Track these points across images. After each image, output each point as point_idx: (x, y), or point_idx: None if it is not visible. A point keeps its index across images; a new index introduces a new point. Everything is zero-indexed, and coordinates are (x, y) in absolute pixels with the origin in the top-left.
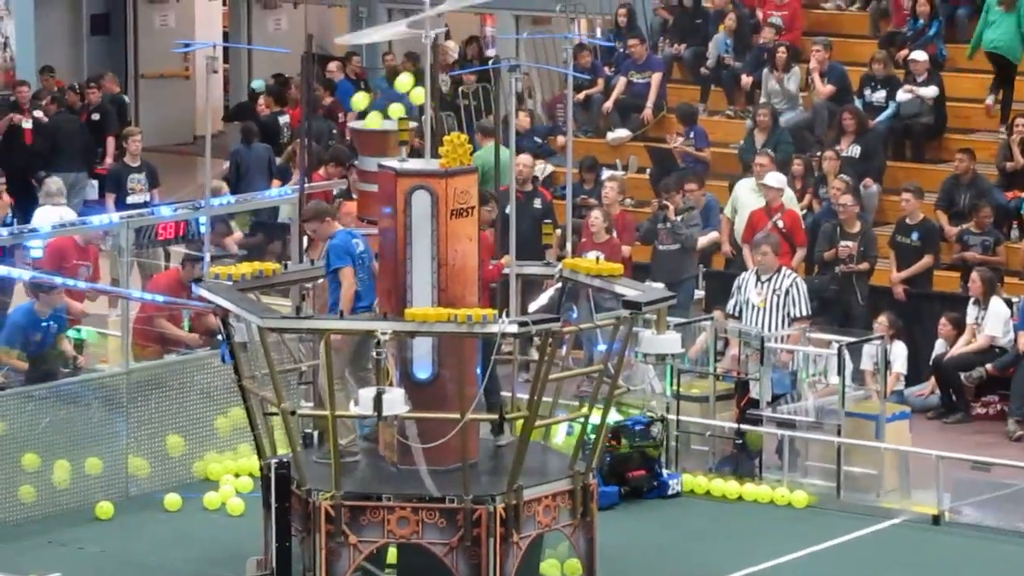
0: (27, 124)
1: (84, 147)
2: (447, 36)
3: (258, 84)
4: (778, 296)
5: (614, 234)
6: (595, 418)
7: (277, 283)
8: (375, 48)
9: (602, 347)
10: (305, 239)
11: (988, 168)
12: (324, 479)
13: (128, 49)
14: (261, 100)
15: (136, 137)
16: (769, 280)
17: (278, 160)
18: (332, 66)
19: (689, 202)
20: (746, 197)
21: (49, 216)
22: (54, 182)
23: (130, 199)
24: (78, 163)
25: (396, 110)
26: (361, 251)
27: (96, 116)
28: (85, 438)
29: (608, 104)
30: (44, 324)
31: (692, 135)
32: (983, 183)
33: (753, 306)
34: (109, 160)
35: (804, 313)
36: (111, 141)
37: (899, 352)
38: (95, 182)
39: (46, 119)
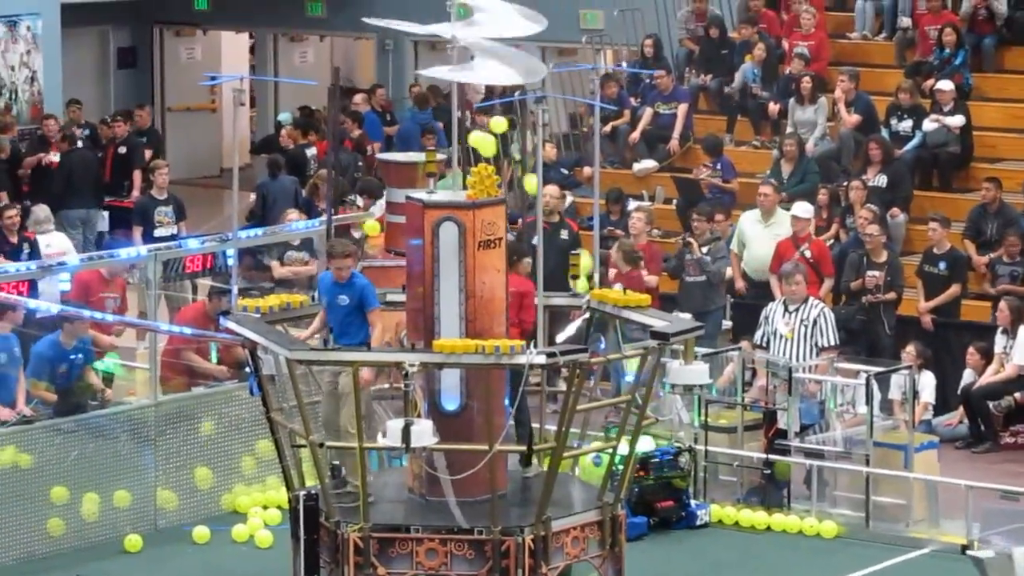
0: (55, 158)
1: (96, 182)
2: None
3: (284, 117)
4: (806, 326)
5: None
6: (623, 449)
7: (305, 315)
8: (401, 79)
9: (630, 378)
10: None
11: (1015, 197)
12: (353, 511)
13: (155, 82)
14: (285, 132)
15: (163, 170)
16: (797, 310)
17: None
18: (357, 98)
19: (716, 233)
20: (751, 229)
21: (42, 244)
22: (41, 209)
23: (157, 232)
24: (90, 198)
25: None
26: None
27: (123, 149)
28: (113, 471)
29: (635, 135)
30: (70, 356)
31: (719, 166)
32: (1010, 212)
33: (781, 336)
34: (136, 193)
35: (832, 343)
36: (138, 174)
37: (927, 382)
38: (106, 214)
39: (56, 159)
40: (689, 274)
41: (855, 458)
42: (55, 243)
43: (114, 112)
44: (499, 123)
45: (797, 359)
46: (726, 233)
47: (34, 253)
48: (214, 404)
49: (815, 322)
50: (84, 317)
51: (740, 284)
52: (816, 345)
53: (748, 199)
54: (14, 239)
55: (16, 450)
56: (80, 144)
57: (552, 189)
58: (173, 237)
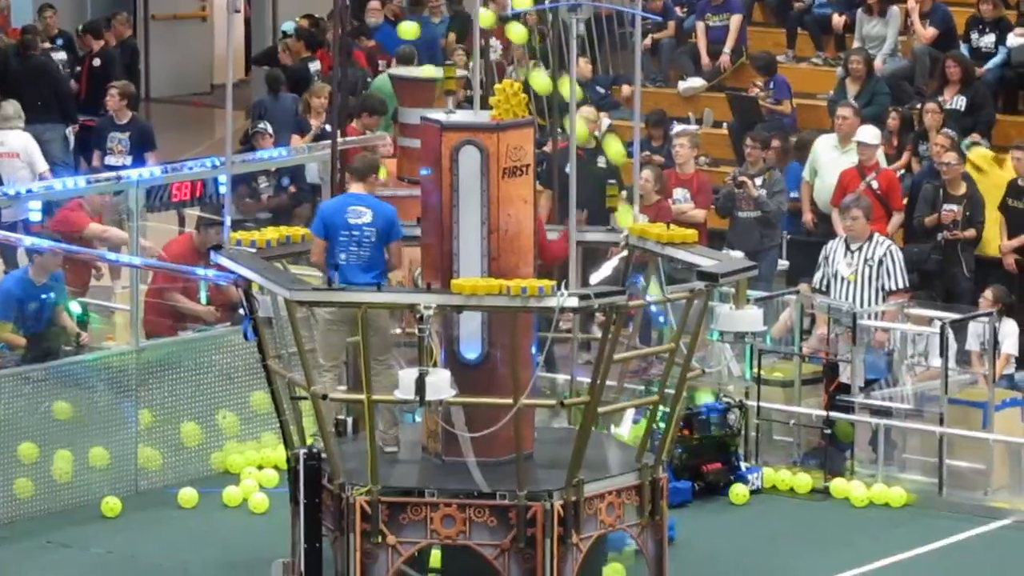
0: None
1: (57, 95)
2: None
3: (288, 26)
4: (870, 267)
5: (687, 194)
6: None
7: (306, 251)
8: None
9: (673, 324)
10: None
11: None
12: (360, 472)
13: None
14: (285, 45)
15: (112, 92)
16: (860, 249)
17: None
18: (373, 4)
19: (770, 162)
20: (827, 156)
21: None
22: (10, 104)
23: (107, 159)
24: (44, 114)
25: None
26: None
27: (97, 62)
28: (89, 426)
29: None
30: (41, 293)
31: (772, 86)
32: None
33: (842, 279)
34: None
35: (900, 286)
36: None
37: (1010, 331)
38: (69, 131)
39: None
40: (741, 208)
41: (927, 417)
42: (10, 142)
43: (88, 21)
44: (519, 32)
45: (861, 304)
46: (782, 160)
47: None
48: (203, 350)
49: (881, 262)
50: (54, 250)
51: (808, 216)
52: (882, 288)
53: (808, 123)
54: None
55: None
56: (44, 56)
57: (588, 110)
58: (123, 168)
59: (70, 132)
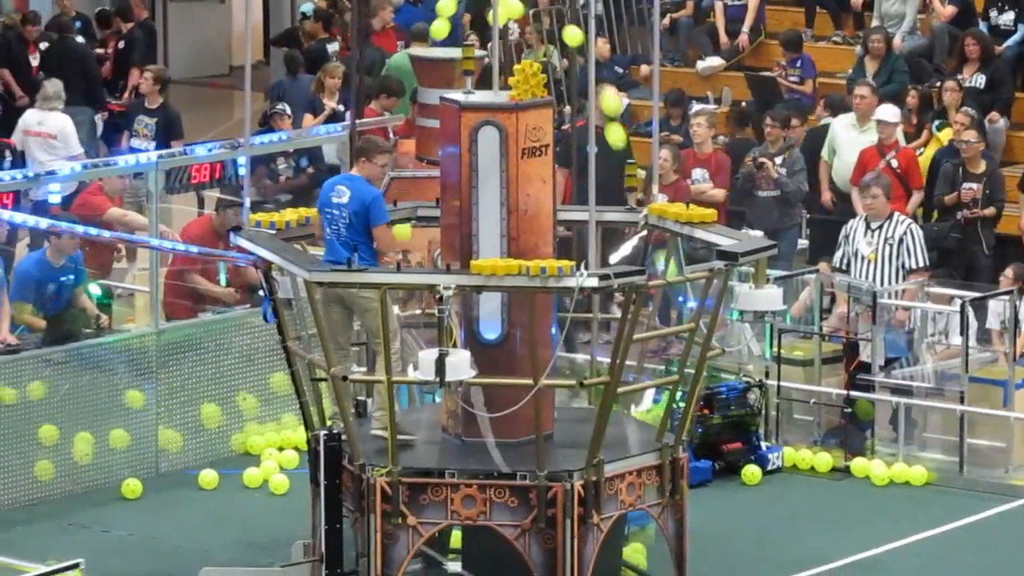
0: (35, 61)
1: (87, 78)
2: None
3: (307, 8)
4: (890, 245)
5: (706, 174)
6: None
7: None
8: None
9: (693, 304)
10: None
11: None
12: (380, 453)
13: None
14: (307, 26)
15: (148, 75)
16: (880, 228)
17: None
18: None
19: (790, 140)
20: (845, 135)
21: (28, 120)
22: (52, 84)
23: (133, 142)
24: (78, 97)
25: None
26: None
27: (122, 44)
28: (110, 408)
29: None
30: (59, 276)
31: (799, 64)
32: None
33: (863, 258)
34: (126, 96)
35: (921, 264)
36: (135, 74)
37: None
38: (99, 117)
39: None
40: (761, 188)
41: (948, 395)
42: (49, 122)
43: (113, 3)
44: (514, 6)
45: (882, 283)
46: (801, 140)
47: (16, 162)
48: (223, 332)
49: (901, 240)
50: (75, 232)
51: (827, 196)
52: (903, 267)
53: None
54: None
55: None
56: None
57: (612, 89)
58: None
59: (99, 119)
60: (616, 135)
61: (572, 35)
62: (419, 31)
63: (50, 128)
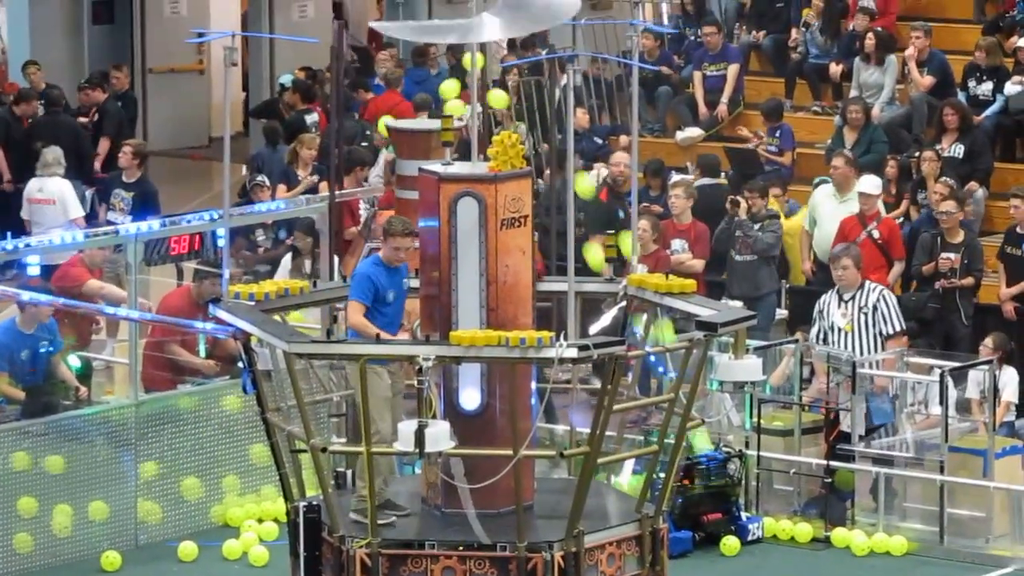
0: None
1: (76, 152)
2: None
3: (286, 79)
4: (865, 314)
5: (685, 244)
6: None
7: (305, 303)
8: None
9: (672, 374)
10: (335, 256)
11: None
12: (360, 525)
13: (135, 40)
14: (287, 97)
15: (126, 150)
16: (853, 298)
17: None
18: (384, 54)
19: (772, 210)
20: (826, 205)
21: (30, 188)
22: (51, 151)
23: (109, 215)
24: (70, 172)
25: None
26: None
27: (99, 116)
28: (89, 480)
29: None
30: (32, 343)
31: (778, 134)
32: None
33: (839, 330)
34: (97, 166)
35: (898, 329)
36: (104, 144)
37: (1009, 378)
38: (88, 192)
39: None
40: (739, 252)
41: (928, 465)
42: (48, 188)
43: (88, 76)
44: (499, 97)
45: (861, 353)
46: (783, 210)
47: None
48: (203, 404)
49: (875, 308)
50: (42, 302)
51: (807, 266)
52: (880, 334)
53: (805, 172)
54: None
55: None
56: (41, 111)
57: (623, 156)
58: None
59: (88, 194)
60: (583, 186)
61: (497, 97)
62: (421, 101)
63: (49, 193)
